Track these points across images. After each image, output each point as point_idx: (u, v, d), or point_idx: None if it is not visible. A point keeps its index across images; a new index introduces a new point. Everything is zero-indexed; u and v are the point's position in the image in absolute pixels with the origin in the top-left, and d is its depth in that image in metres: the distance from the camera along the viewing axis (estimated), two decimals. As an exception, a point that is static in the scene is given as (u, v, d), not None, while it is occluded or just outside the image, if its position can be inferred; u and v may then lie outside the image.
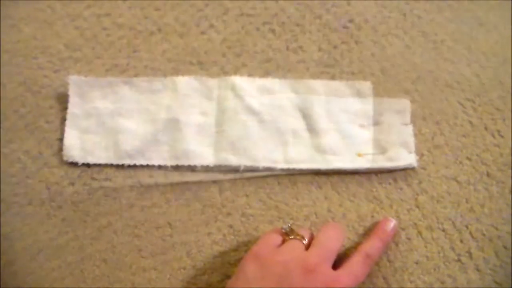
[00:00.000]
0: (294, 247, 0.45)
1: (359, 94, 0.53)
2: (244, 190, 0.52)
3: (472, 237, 0.49)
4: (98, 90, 0.54)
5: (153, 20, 0.56)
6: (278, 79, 0.53)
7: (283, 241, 0.46)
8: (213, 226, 0.51)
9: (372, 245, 0.47)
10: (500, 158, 0.52)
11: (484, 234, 0.49)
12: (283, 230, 0.46)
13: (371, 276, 0.49)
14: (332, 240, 0.46)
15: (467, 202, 0.50)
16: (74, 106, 0.53)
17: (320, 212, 0.51)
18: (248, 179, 0.52)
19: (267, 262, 0.44)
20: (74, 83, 0.53)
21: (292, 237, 0.46)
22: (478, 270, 0.48)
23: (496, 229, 0.49)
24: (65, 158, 0.52)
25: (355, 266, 0.45)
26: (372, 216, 0.50)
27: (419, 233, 0.50)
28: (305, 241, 0.46)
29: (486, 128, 0.52)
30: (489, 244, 0.49)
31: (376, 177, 0.51)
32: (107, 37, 0.56)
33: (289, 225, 0.47)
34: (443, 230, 0.49)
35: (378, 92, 0.53)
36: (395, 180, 0.51)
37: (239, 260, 0.48)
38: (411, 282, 0.48)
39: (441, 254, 0.49)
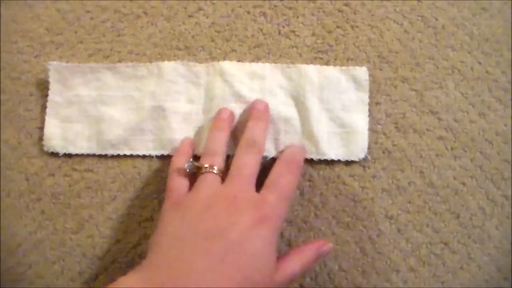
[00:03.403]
0: (208, 181, 0.42)
1: (354, 80, 0.50)
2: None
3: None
4: (80, 76, 0.51)
5: (138, 2, 0.53)
6: (269, 64, 0.51)
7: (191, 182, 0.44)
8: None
9: (289, 151, 0.46)
10: (503, 150, 0.49)
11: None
12: (187, 170, 0.44)
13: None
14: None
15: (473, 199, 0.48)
16: (54, 94, 0.51)
17: (312, 202, 0.49)
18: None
19: (183, 205, 0.41)
20: (55, 69, 0.51)
21: (202, 171, 0.43)
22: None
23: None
24: (45, 148, 0.50)
25: (278, 179, 0.43)
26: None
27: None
28: (216, 170, 0.43)
29: (486, 119, 0.50)
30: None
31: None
32: (90, 21, 0.53)
33: (191, 163, 0.44)
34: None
35: (375, 79, 0.50)
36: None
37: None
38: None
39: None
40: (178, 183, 0.44)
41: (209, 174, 0.43)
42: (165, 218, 0.41)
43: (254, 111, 0.47)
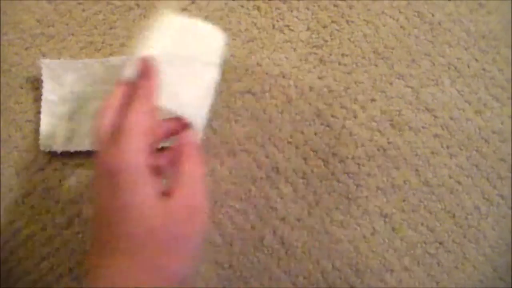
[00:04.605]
0: None
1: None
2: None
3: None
4: (73, 72, 0.50)
5: (131, -5, 0.52)
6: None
7: None
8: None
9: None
10: (500, 149, 0.49)
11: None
12: None
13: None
14: None
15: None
16: (48, 92, 0.49)
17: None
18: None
19: None
20: (47, 66, 0.49)
21: None
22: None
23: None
24: (42, 148, 0.49)
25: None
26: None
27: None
28: None
29: (483, 117, 0.49)
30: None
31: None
32: (82, 13, 0.52)
33: None
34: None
35: (370, 75, 0.50)
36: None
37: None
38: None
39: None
40: None
41: None
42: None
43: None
